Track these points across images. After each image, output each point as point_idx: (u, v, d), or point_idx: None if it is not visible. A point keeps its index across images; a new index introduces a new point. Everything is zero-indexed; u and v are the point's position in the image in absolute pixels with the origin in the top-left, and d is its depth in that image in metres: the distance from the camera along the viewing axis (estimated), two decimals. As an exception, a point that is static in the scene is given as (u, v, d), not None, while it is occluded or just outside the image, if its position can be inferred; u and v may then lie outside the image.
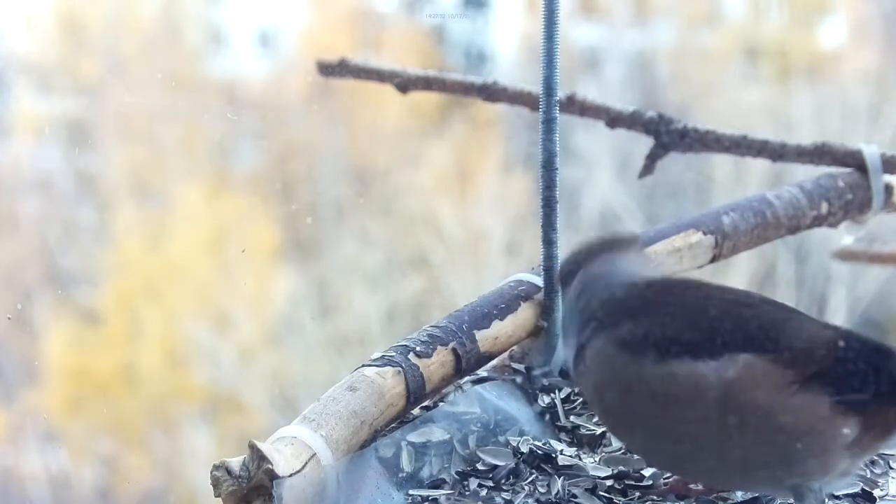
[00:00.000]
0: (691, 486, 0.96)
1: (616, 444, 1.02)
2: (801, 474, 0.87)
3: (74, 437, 3.04)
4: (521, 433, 1.02)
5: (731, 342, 0.86)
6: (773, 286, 3.15)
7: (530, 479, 0.97)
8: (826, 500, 0.90)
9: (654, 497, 0.96)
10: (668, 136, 1.40)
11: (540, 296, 1.11)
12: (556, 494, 0.95)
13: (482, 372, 1.08)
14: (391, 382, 0.97)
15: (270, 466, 0.84)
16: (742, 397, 0.85)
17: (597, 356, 0.90)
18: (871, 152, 1.38)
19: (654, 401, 0.87)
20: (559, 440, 1.03)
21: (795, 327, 0.88)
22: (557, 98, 1.10)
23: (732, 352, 0.86)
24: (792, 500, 0.90)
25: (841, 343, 0.87)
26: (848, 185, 1.37)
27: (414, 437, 0.97)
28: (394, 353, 0.99)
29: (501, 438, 1.02)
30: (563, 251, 1.11)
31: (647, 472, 0.99)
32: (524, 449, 1.00)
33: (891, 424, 0.87)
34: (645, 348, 0.87)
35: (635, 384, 0.87)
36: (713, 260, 1.25)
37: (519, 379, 1.08)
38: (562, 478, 0.97)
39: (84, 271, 2.98)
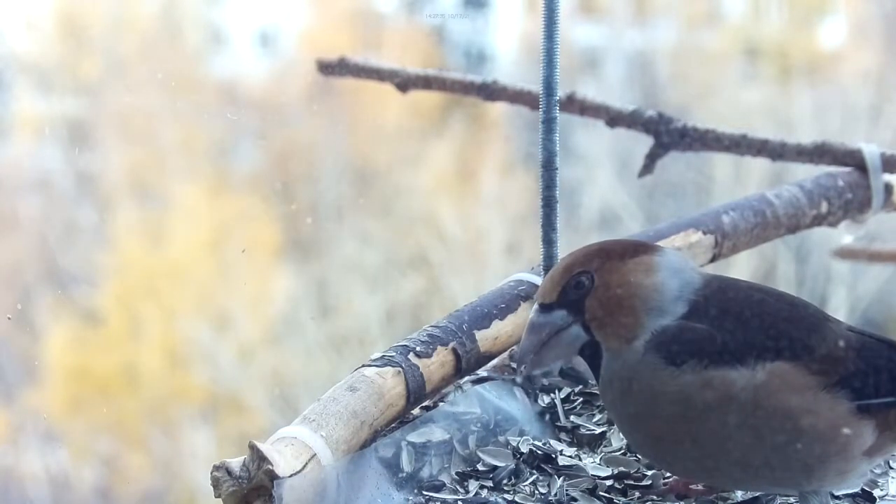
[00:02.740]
0: (692, 486, 0.96)
1: (616, 443, 1.02)
2: (820, 478, 0.87)
3: (74, 437, 3.04)
4: (521, 433, 1.02)
5: (763, 349, 0.87)
6: (773, 286, 3.14)
7: (530, 479, 0.97)
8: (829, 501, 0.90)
9: (654, 497, 0.95)
10: (668, 136, 1.40)
11: (540, 296, 1.11)
12: (556, 495, 0.95)
13: (482, 372, 1.08)
14: (391, 382, 0.97)
15: (271, 467, 0.84)
16: (768, 402, 0.85)
17: (635, 364, 0.89)
18: (871, 151, 1.38)
19: (687, 407, 0.87)
20: (559, 440, 1.03)
21: (823, 334, 0.88)
22: (557, 97, 1.10)
23: (763, 359, 0.86)
24: (794, 500, 0.91)
25: (862, 347, 0.88)
26: (848, 185, 1.37)
27: (414, 438, 0.97)
28: (394, 353, 0.99)
29: (501, 438, 1.01)
30: (563, 251, 1.11)
31: (648, 471, 0.99)
32: (524, 449, 1.00)
33: None
34: (683, 358, 0.87)
35: (670, 391, 0.87)
36: (713, 259, 1.25)
37: (519, 379, 1.08)
38: (562, 478, 0.97)
39: (84, 271, 2.97)
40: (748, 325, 0.88)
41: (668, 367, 0.87)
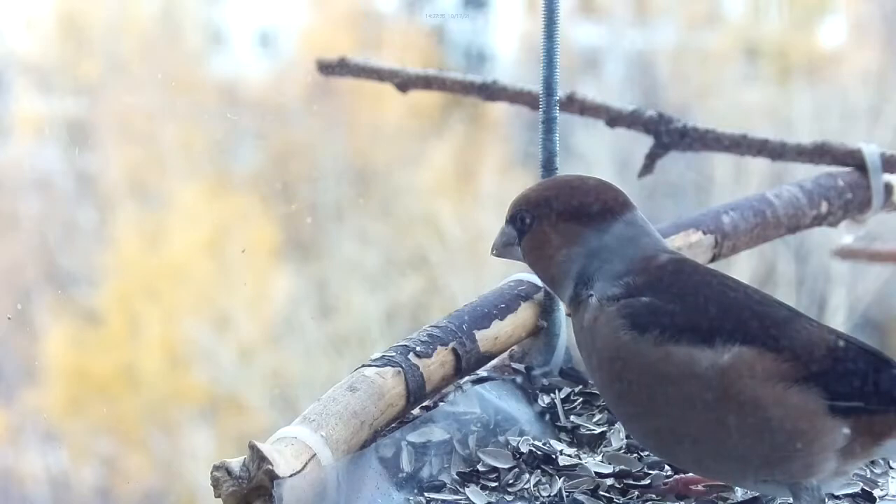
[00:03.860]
0: (692, 486, 0.96)
1: (616, 443, 1.02)
2: (784, 471, 0.87)
3: (74, 437, 3.04)
4: (521, 433, 1.02)
5: (731, 333, 0.87)
6: (773, 286, 3.15)
7: (531, 479, 0.97)
8: (826, 499, 0.90)
9: (654, 497, 0.96)
10: (668, 136, 1.40)
11: (540, 296, 1.11)
12: (557, 495, 0.95)
13: (482, 372, 1.08)
14: (391, 382, 0.97)
15: (271, 467, 0.84)
16: (733, 387, 0.86)
17: (602, 323, 0.90)
18: (871, 151, 1.38)
19: (650, 378, 0.88)
20: (559, 440, 1.03)
21: (798, 329, 0.88)
22: (557, 97, 1.10)
23: (730, 342, 0.86)
24: (791, 500, 0.91)
25: (840, 349, 0.88)
26: (847, 185, 1.37)
27: (414, 437, 0.97)
28: (394, 353, 0.99)
29: (501, 438, 1.01)
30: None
31: (650, 471, 0.99)
32: (524, 449, 1.00)
33: (880, 434, 0.88)
34: (648, 326, 0.88)
35: (634, 359, 0.88)
36: (713, 259, 1.25)
37: (519, 379, 1.08)
38: (562, 478, 0.97)
39: (84, 271, 2.97)
40: (712, 307, 0.89)
41: (631, 332, 0.88)
